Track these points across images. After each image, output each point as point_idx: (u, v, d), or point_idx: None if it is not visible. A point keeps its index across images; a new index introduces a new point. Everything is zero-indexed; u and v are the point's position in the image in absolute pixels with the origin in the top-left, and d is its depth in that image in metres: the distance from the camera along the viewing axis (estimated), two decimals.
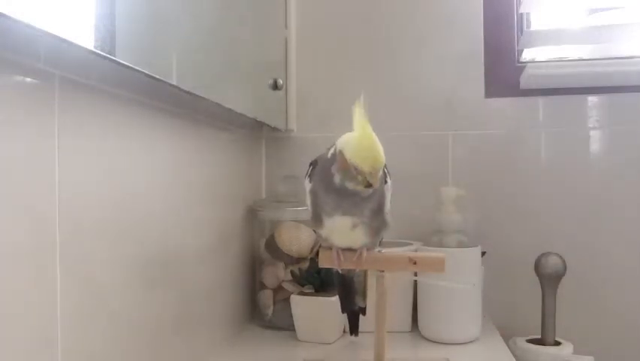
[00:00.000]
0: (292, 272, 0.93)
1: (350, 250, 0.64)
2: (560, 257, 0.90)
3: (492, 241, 0.99)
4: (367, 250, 0.64)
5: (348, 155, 0.56)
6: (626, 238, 1.00)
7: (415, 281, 0.88)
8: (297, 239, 0.93)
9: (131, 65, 0.53)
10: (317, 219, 0.62)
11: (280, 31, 1.07)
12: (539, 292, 0.91)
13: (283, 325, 0.92)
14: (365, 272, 0.71)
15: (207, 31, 0.73)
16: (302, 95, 1.10)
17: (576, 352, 0.89)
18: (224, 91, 0.78)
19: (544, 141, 1.03)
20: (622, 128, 1.01)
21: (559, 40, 1.02)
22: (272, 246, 0.94)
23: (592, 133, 1.02)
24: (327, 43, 1.10)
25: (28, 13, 0.39)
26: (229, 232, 0.91)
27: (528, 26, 1.07)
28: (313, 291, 0.89)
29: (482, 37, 1.05)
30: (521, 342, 0.91)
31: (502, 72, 1.05)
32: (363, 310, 0.73)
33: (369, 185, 0.56)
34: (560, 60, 1.05)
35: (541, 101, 1.04)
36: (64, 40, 0.44)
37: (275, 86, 0.99)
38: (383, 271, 0.65)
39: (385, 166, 0.62)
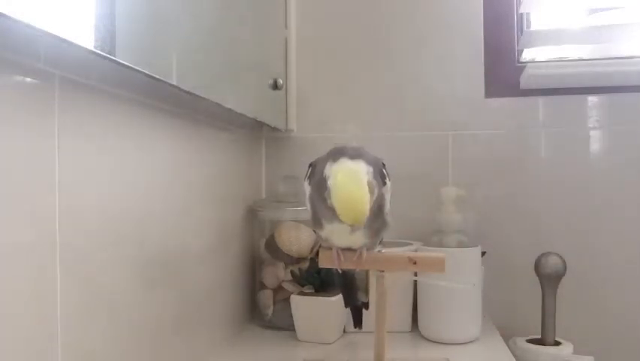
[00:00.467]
0: (292, 272, 0.93)
1: (350, 250, 0.64)
2: (560, 257, 0.90)
3: (492, 241, 0.99)
4: (367, 250, 0.64)
5: (332, 202, 0.56)
6: (626, 238, 1.00)
7: (415, 281, 0.87)
8: (297, 239, 0.93)
9: (131, 65, 0.53)
10: (317, 222, 0.62)
11: (280, 31, 1.07)
12: (539, 292, 0.91)
13: (283, 325, 0.92)
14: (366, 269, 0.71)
15: (207, 31, 0.73)
16: (302, 95, 1.10)
17: (576, 352, 0.89)
18: (224, 91, 0.78)
19: (544, 141, 1.03)
20: (622, 128, 1.01)
21: (559, 40, 1.02)
22: (272, 246, 0.94)
23: (592, 133, 1.02)
24: (327, 43, 1.10)
25: (28, 13, 0.39)
26: (229, 232, 0.91)
27: (528, 26, 1.07)
28: (313, 291, 0.89)
29: (482, 37, 1.05)
30: (521, 342, 0.91)
31: (502, 72, 1.05)
32: (366, 305, 0.73)
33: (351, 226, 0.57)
34: (560, 60, 1.05)
35: (541, 101, 1.04)
36: (64, 40, 0.44)
37: (275, 86, 0.99)
38: (383, 271, 0.65)
39: (385, 166, 0.62)
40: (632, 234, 1.00)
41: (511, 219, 1.03)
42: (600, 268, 1.00)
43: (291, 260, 0.94)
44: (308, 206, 0.63)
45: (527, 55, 1.06)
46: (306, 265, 0.93)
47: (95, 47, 0.47)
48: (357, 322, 0.74)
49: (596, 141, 1.02)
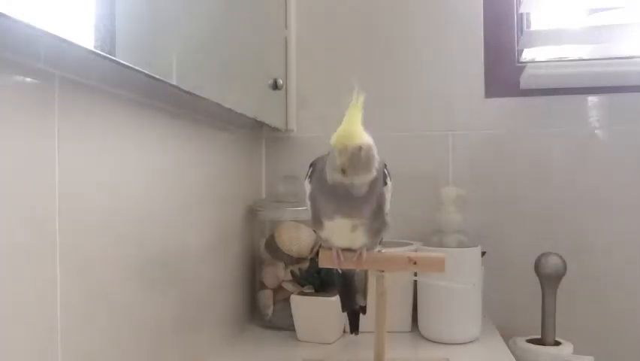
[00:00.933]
0: (292, 272, 0.93)
1: (350, 250, 0.64)
2: (560, 257, 0.90)
3: (492, 241, 0.99)
4: (367, 250, 0.64)
5: (330, 141, 0.56)
6: (626, 238, 1.00)
7: (415, 281, 0.88)
8: (297, 239, 0.93)
9: (131, 65, 0.53)
10: (317, 222, 0.62)
11: (280, 31, 1.07)
12: (539, 292, 0.91)
13: (283, 325, 0.92)
14: (366, 271, 0.71)
15: (207, 32, 0.73)
16: (302, 95, 1.10)
17: (576, 352, 0.89)
18: (224, 91, 0.78)
19: (544, 141, 1.03)
20: (622, 128, 1.01)
21: (559, 40, 1.02)
22: (272, 246, 0.94)
23: (592, 133, 1.02)
24: (327, 43, 1.10)
25: (28, 13, 0.39)
26: (229, 232, 0.91)
27: (528, 26, 1.07)
28: (313, 291, 0.89)
29: (482, 37, 1.05)
30: (521, 342, 0.91)
31: (502, 72, 1.05)
32: (364, 309, 0.73)
33: (344, 171, 0.55)
34: (560, 60, 1.05)
35: (541, 101, 1.04)
36: (64, 40, 0.44)
37: (275, 86, 0.99)
38: (383, 271, 0.65)
39: (386, 167, 0.62)
40: (632, 234, 1.00)
41: (511, 219, 1.03)
42: (600, 268, 1.00)
43: (291, 260, 0.94)
44: (308, 205, 0.63)
45: (527, 55, 1.06)
46: (306, 265, 0.93)
47: (95, 47, 0.47)
48: (354, 327, 0.74)
49: (596, 141, 1.02)
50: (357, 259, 0.64)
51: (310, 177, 0.63)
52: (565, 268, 0.89)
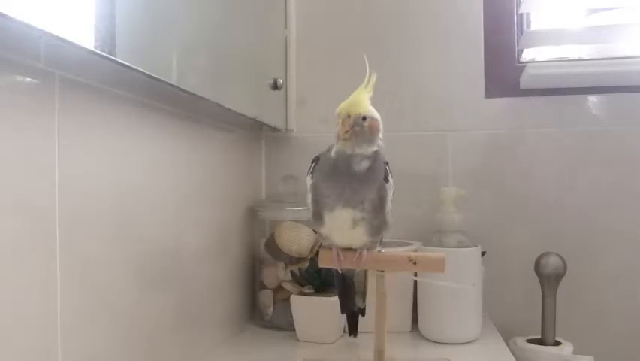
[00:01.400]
0: (292, 272, 0.93)
1: (350, 249, 0.64)
2: (560, 257, 0.90)
3: (492, 241, 0.99)
4: (367, 249, 0.64)
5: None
6: (626, 238, 1.00)
7: (415, 281, 0.87)
8: (297, 239, 0.93)
9: (131, 65, 0.53)
10: (318, 217, 0.62)
11: (280, 31, 1.07)
12: (539, 292, 0.91)
13: (283, 325, 0.92)
14: (365, 272, 0.71)
15: (207, 31, 0.73)
16: (302, 95, 1.10)
17: (576, 352, 0.89)
18: (224, 91, 0.78)
19: (544, 141, 1.03)
20: (622, 128, 1.01)
21: (559, 40, 1.02)
22: (272, 246, 0.94)
23: (592, 133, 1.02)
24: (327, 43, 1.10)
25: (28, 13, 0.39)
26: (229, 232, 0.91)
27: (528, 26, 1.07)
28: (313, 291, 0.89)
29: (482, 37, 1.05)
30: (521, 342, 0.91)
31: (502, 72, 1.05)
32: (363, 311, 0.73)
33: (345, 140, 0.58)
34: (560, 60, 1.05)
35: (541, 101, 1.04)
36: (64, 40, 0.44)
37: (275, 86, 0.99)
38: (383, 271, 0.65)
39: (387, 164, 0.62)
40: (632, 234, 1.00)
41: (511, 219, 1.03)
42: (600, 268, 1.00)
43: (291, 260, 0.94)
44: (309, 199, 0.63)
45: (527, 55, 1.06)
46: (306, 265, 0.93)
47: (95, 47, 0.47)
48: (353, 329, 0.74)
49: (596, 141, 1.02)
50: (357, 259, 0.64)
51: (312, 172, 0.63)
52: (565, 268, 0.89)
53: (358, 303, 0.72)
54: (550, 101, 1.03)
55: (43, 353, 0.48)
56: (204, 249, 0.80)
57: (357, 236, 0.62)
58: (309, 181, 0.63)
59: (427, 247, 0.89)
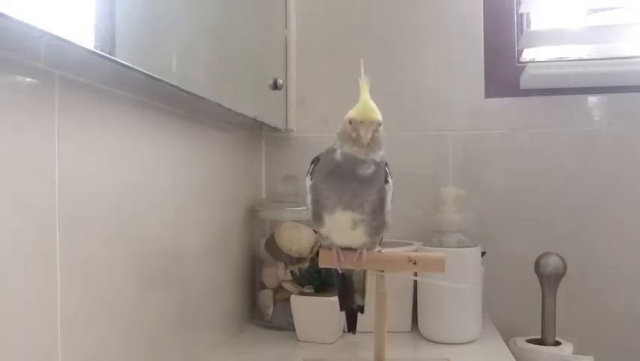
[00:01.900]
0: (292, 272, 0.93)
1: (350, 249, 0.64)
2: (560, 257, 0.90)
3: (492, 241, 0.99)
4: (367, 249, 0.64)
5: (347, 116, 0.59)
6: (626, 238, 1.00)
7: (415, 281, 0.87)
8: (297, 239, 0.93)
9: (131, 65, 0.53)
10: (317, 218, 0.62)
11: (280, 31, 1.07)
12: (539, 292, 0.91)
13: (283, 325, 0.92)
14: (364, 271, 0.71)
15: (207, 31, 0.73)
16: (302, 95, 1.10)
17: (576, 352, 0.89)
18: (224, 91, 0.78)
19: (544, 141, 1.03)
20: (622, 128, 1.01)
21: (559, 40, 1.02)
22: (272, 246, 0.94)
23: (592, 133, 1.02)
24: (327, 43, 1.10)
25: (28, 13, 0.39)
26: (229, 232, 0.91)
27: (528, 26, 1.07)
28: (313, 291, 0.89)
29: (482, 38, 1.05)
30: (521, 342, 0.91)
31: (502, 72, 1.05)
32: (362, 309, 0.73)
33: (363, 144, 0.58)
34: (560, 60, 1.05)
35: (541, 101, 1.04)
36: (64, 40, 0.44)
37: (275, 86, 0.99)
38: (383, 271, 0.65)
39: (387, 165, 0.62)
40: (632, 234, 1.00)
41: (511, 219, 1.03)
42: (600, 268, 1.00)
43: (291, 260, 0.94)
44: (309, 200, 0.63)
45: (527, 55, 1.06)
46: (306, 265, 0.93)
47: (95, 47, 0.47)
48: (352, 326, 0.74)
49: (596, 141, 1.02)
50: (357, 258, 0.64)
51: (312, 173, 0.63)
52: (565, 268, 0.89)
53: (357, 301, 0.72)
54: (550, 101, 1.03)
55: (43, 353, 0.48)
56: (204, 249, 0.80)
57: (357, 236, 0.62)
58: (308, 182, 0.63)
59: (427, 247, 0.89)
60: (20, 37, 0.44)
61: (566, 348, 0.89)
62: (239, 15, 0.85)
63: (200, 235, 0.79)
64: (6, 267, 0.44)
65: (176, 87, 0.63)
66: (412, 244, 0.92)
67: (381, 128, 0.59)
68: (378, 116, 0.59)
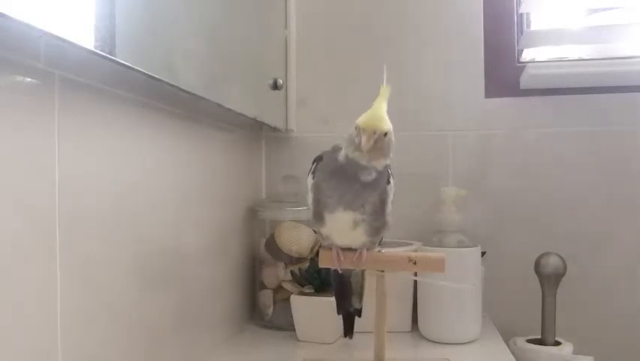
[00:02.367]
0: (292, 272, 0.93)
1: (350, 249, 0.64)
2: (560, 257, 0.90)
3: (492, 241, 0.99)
4: (367, 249, 0.64)
5: (357, 120, 0.59)
6: (626, 237, 1.00)
7: (415, 281, 0.87)
8: (297, 239, 0.93)
9: (131, 65, 0.53)
10: (318, 217, 0.62)
11: (280, 31, 1.07)
12: (539, 292, 0.91)
13: (283, 325, 0.92)
14: (362, 273, 0.71)
15: (207, 31, 0.73)
16: (302, 95, 1.10)
17: (576, 352, 0.89)
18: (224, 91, 0.78)
19: (544, 141, 1.03)
20: (622, 128, 1.01)
21: (559, 40, 1.02)
22: (272, 246, 0.94)
23: (592, 133, 1.02)
24: (327, 43, 1.10)
25: (28, 13, 0.39)
26: (229, 232, 0.91)
27: (528, 26, 1.07)
28: (313, 291, 0.89)
29: (482, 37, 1.05)
30: (521, 342, 0.91)
31: (502, 72, 1.05)
32: (359, 312, 0.73)
33: (366, 153, 0.58)
34: (560, 60, 1.05)
35: (541, 101, 1.03)
36: (64, 40, 0.44)
37: (275, 86, 0.99)
38: (383, 271, 0.65)
39: (389, 167, 0.62)
40: (632, 234, 1.00)
41: (511, 219, 1.03)
42: (600, 268, 1.00)
43: (291, 260, 0.94)
44: (310, 199, 0.63)
45: (527, 55, 1.06)
46: (306, 265, 0.93)
47: (95, 47, 0.47)
48: (348, 331, 0.74)
49: (595, 141, 1.02)
50: (357, 259, 0.64)
51: (314, 172, 0.63)
52: (565, 268, 0.89)
53: (355, 304, 0.72)
54: (550, 101, 1.03)
55: (43, 353, 0.48)
56: (204, 249, 0.80)
57: (358, 236, 0.62)
58: (310, 181, 0.63)
59: (427, 247, 0.89)
60: (20, 37, 0.44)
61: (566, 348, 0.89)
62: (239, 15, 0.85)
63: (200, 235, 0.79)
64: (6, 267, 0.44)
65: (176, 87, 0.63)
66: (412, 244, 0.92)
67: (387, 138, 0.59)
68: (384, 126, 0.58)
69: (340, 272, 0.68)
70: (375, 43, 1.08)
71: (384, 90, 0.60)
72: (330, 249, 0.64)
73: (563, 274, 0.90)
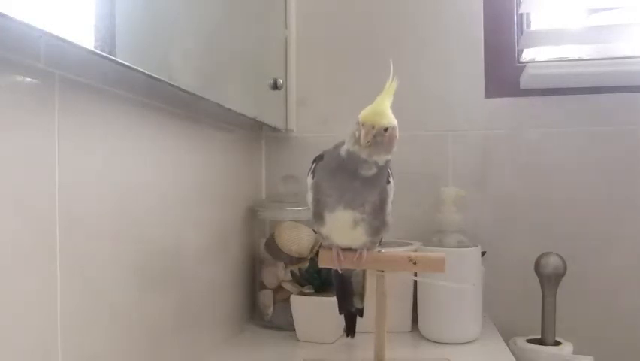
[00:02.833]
0: (292, 272, 0.93)
1: (350, 249, 0.64)
2: (560, 257, 0.90)
3: (492, 241, 0.99)
4: (367, 249, 0.64)
5: (359, 116, 0.59)
6: (626, 237, 1.00)
7: (415, 281, 0.87)
8: (297, 239, 0.93)
9: (131, 65, 0.53)
10: (318, 217, 0.62)
11: (280, 31, 1.07)
12: (539, 292, 0.91)
13: (283, 325, 0.92)
14: (363, 273, 0.71)
15: (207, 32, 0.73)
16: (302, 95, 1.10)
17: (576, 352, 0.89)
18: (224, 91, 0.78)
19: (544, 141, 1.03)
20: (622, 128, 1.01)
21: (559, 40, 1.02)
22: (272, 246, 0.94)
23: (592, 133, 1.02)
24: (327, 43, 1.10)
25: (28, 13, 0.39)
26: (229, 232, 0.91)
27: (528, 26, 1.07)
28: (313, 291, 0.89)
29: (482, 37, 1.05)
30: (521, 342, 0.91)
31: (502, 72, 1.05)
32: (361, 312, 0.73)
33: (367, 145, 0.57)
34: (560, 60, 1.05)
35: (541, 101, 1.03)
36: (64, 40, 0.44)
37: (275, 86, 0.99)
38: (383, 271, 0.65)
39: (389, 166, 0.62)
40: (632, 234, 1.00)
41: (511, 219, 1.03)
42: (600, 268, 1.00)
43: (291, 260, 0.94)
44: (310, 198, 0.63)
45: (527, 55, 1.06)
46: (306, 265, 0.93)
47: (95, 47, 0.47)
48: (350, 330, 0.74)
49: (595, 141, 1.02)
50: (357, 259, 0.64)
51: (313, 172, 0.63)
52: (565, 268, 0.89)
53: (356, 304, 0.72)
54: (550, 101, 1.03)
55: (43, 353, 0.48)
56: (204, 249, 0.80)
57: (358, 236, 0.62)
58: (309, 180, 0.63)
59: (427, 247, 0.89)
60: (20, 37, 0.44)
61: (566, 348, 0.89)
62: (239, 15, 0.85)
63: (200, 235, 0.79)
64: (6, 267, 0.44)
65: (176, 87, 0.63)
66: (412, 244, 0.92)
67: (388, 133, 0.58)
68: (384, 121, 0.58)
69: (340, 272, 0.68)
70: (375, 43, 1.08)
71: (391, 86, 0.60)
72: (330, 249, 0.64)
73: (563, 274, 0.90)
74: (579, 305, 1.00)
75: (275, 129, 1.07)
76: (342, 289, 0.71)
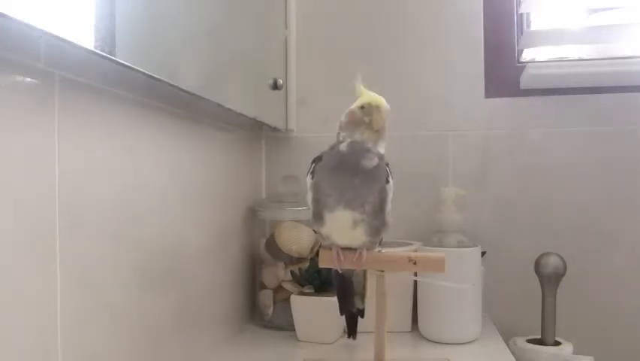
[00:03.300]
0: (292, 272, 0.93)
1: (350, 249, 0.64)
2: (560, 257, 0.90)
3: (492, 241, 0.99)
4: (367, 249, 0.64)
5: (357, 103, 0.62)
6: (626, 237, 1.00)
7: (415, 281, 0.87)
8: (297, 239, 0.93)
9: (131, 65, 0.53)
10: (318, 217, 0.62)
11: (280, 31, 1.07)
12: (539, 292, 0.91)
13: (283, 325, 0.92)
14: (364, 273, 0.71)
15: (207, 31, 0.73)
16: (302, 95, 1.10)
17: (576, 352, 0.89)
18: (224, 91, 0.78)
19: (544, 141, 1.03)
20: (622, 128, 1.01)
21: (559, 40, 1.02)
22: (272, 246, 0.94)
23: (592, 133, 1.02)
24: (327, 43, 1.10)
25: (28, 13, 0.39)
26: (229, 232, 0.91)
27: (528, 26, 1.07)
28: (313, 291, 0.89)
29: (482, 38, 1.05)
30: (521, 342, 0.91)
31: (502, 72, 1.05)
32: (362, 313, 0.72)
33: (375, 129, 0.60)
34: (560, 60, 1.05)
35: (541, 101, 1.03)
36: (64, 40, 0.44)
37: (275, 86, 0.99)
38: (383, 271, 0.65)
39: (388, 165, 0.62)
40: (632, 234, 1.00)
41: (511, 219, 1.03)
42: (600, 268, 1.00)
43: (291, 260, 0.94)
44: (310, 198, 0.63)
45: (527, 55, 1.06)
46: (306, 265, 0.93)
47: (95, 47, 0.47)
48: (352, 331, 0.74)
49: (595, 141, 1.02)
50: (357, 259, 0.64)
51: (313, 172, 0.63)
52: (565, 268, 0.89)
53: (357, 304, 0.72)
54: (550, 101, 1.03)
55: (43, 353, 0.48)
56: (204, 249, 0.80)
57: (357, 236, 0.62)
58: (309, 181, 0.63)
59: (427, 247, 0.89)
60: (20, 37, 0.44)
61: (566, 348, 0.89)
62: (239, 15, 0.85)
63: (200, 235, 0.79)
64: (6, 267, 0.44)
65: (176, 87, 0.63)
66: (412, 244, 0.92)
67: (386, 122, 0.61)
68: (386, 104, 0.61)
69: (340, 272, 0.68)
70: (375, 43, 1.08)
71: (362, 85, 0.64)
72: (330, 249, 0.64)
73: (562, 274, 0.90)
74: (579, 305, 1.00)
75: (275, 129, 1.07)
76: (343, 289, 0.71)
